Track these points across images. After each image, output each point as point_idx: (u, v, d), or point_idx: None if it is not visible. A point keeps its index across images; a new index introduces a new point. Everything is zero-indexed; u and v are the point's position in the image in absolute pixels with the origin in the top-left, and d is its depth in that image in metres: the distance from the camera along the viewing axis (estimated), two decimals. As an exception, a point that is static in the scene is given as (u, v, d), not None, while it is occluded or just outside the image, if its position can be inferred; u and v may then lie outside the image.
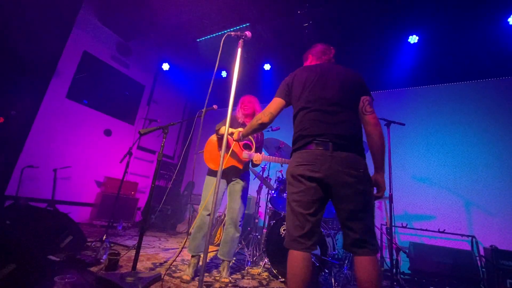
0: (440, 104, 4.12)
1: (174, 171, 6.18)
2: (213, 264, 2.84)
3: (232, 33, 1.73)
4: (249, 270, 2.81)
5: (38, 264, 1.66)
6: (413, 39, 4.09)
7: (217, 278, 2.36)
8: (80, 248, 2.52)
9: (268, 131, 2.99)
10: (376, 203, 3.83)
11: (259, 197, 3.66)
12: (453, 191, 3.66)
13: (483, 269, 2.90)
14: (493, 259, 2.75)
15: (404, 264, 3.16)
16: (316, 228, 1.35)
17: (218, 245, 3.84)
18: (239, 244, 3.51)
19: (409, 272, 3.07)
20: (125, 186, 4.82)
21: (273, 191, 3.12)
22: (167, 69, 5.94)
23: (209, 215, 2.33)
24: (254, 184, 3.34)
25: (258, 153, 2.30)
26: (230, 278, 2.32)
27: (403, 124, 3.05)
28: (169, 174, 6.15)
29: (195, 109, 7.01)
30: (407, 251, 3.14)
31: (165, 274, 2.21)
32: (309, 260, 1.30)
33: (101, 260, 2.27)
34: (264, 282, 2.45)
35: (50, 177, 3.97)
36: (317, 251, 2.38)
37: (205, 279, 2.30)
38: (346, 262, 2.93)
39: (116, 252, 2.23)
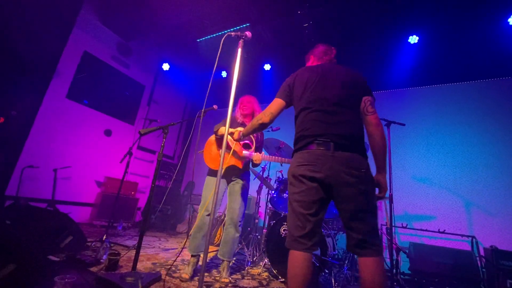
0: (440, 104, 4.11)
1: (174, 171, 6.18)
2: (213, 264, 2.84)
3: (232, 33, 1.73)
4: (249, 270, 2.81)
5: (38, 264, 1.66)
6: (413, 39, 4.09)
7: (217, 278, 2.36)
8: (80, 248, 2.52)
9: (268, 131, 3.00)
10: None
11: (259, 197, 3.66)
12: (453, 191, 3.66)
13: (483, 270, 2.90)
14: (493, 259, 2.74)
15: (404, 265, 3.16)
16: (317, 229, 1.35)
17: (218, 245, 3.84)
18: (239, 244, 3.51)
19: (409, 272, 3.07)
20: (125, 186, 4.82)
21: (273, 191, 3.12)
22: (167, 69, 5.94)
23: (208, 215, 2.34)
24: (254, 184, 3.34)
25: (258, 153, 2.31)
26: (230, 278, 2.32)
27: (403, 124, 3.05)
28: (169, 174, 6.15)
29: (195, 109, 7.01)
30: (407, 251, 3.14)
31: (165, 274, 2.21)
32: (310, 261, 1.30)
33: (101, 260, 2.27)
34: (264, 282, 2.45)
35: (50, 177, 3.97)
36: (317, 251, 2.38)
37: (205, 279, 2.30)
38: (346, 262, 2.93)
39: (116, 252, 2.24)
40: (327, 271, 2.52)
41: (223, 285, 2.21)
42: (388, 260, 2.71)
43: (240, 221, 2.45)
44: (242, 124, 2.54)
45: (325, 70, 1.59)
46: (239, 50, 1.72)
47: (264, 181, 3.47)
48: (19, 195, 3.71)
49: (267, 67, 5.40)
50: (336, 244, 2.87)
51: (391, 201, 2.74)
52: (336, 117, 1.42)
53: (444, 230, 3.32)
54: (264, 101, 5.63)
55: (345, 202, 1.31)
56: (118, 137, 5.27)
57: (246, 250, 3.40)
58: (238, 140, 1.97)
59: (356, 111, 1.48)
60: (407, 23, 4.01)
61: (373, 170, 1.46)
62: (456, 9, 3.63)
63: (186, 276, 2.20)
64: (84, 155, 4.68)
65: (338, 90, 1.48)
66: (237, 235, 2.43)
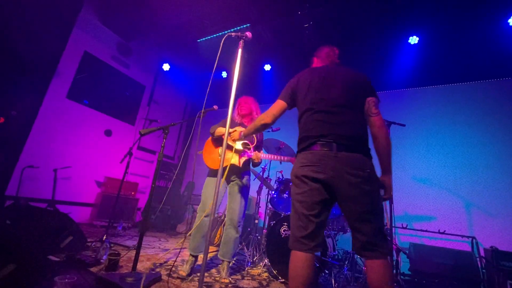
0: (440, 105, 4.11)
1: (174, 171, 6.18)
2: (213, 265, 2.83)
3: (232, 33, 1.73)
4: (249, 270, 2.81)
5: (38, 264, 1.66)
6: (413, 39, 4.10)
7: (217, 278, 2.36)
8: (80, 248, 2.52)
9: (269, 131, 3.00)
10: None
11: (259, 198, 3.66)
12: (454, 192, 3.66)
13: (484, 270, 2.89)
14: (494, 260, 2.74)
15: (404, 265, 3.15)
16: (319, 230, 1.34)
17: (218, 245, 3.85)
18: (239, 245, 3.51)
19: (409, 273, 3.07)
20: (125, 186, 4.82)
21: (273, 192, 3.12)
22: (168, 69, 5.94)
23: (207, 216, 2.34)
24: (254, 184, 3.34)
25: (257, 152, 2.31)
26: (230, 279, 2.32)
27: (404, 125, 3.05)
28: (169, 174, 6.15)
29: (196, 109, 7.01)
30: (407, 252, 3.14)
31: (166, 275, 2.21)
32: (311, 261, 1.29)
33: (101, 261, 2.27)
34: (264, 283, 2.45)
35: (51, 177, 3.97)
36: (317, 252, 2.38)
37: (205, 279, 2.30)
38: (346, 263, 2.94)
39: (116, 252, 2.24)
40: (327, 271, 2.52)
41: (223, 286, 2.21)
42: (388, 261, 2.70)
43: (240, 222, 2.45)
44: (241, 125, 2.56)
45: (328, 71, 1.59)
46: (239, 51, 1.72)
47: (264, 181, 3.47)
48: (19, 195, 3.71)
49: (267, 67, 5.40)
50: (336, 244, 2.86)
51: (391, 202, 2.74)
52: (339, 118, 1.41)
53: (444, 231, 3.32)
54: (265, 102, 5.63)
55: (349, 203, 1.29)
56: (118, 137, 5.27)
57: (246, 251, 3.39)
58: (239, 140, 1.98)
59: (360, 112, 1.47)
60: (407, 23, 4.01)
61: (378, 171, 1.45)
62: (456, 9, 3.64)
63: (183, 273, 2.23)
64: (84, 155, 4.68)
65: (341, 91, 1.47)
66: (237, 235, 2.43)
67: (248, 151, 2.34)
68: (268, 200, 3.32)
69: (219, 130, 2.46)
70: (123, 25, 4.92)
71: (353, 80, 1.52)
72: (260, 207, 3.70)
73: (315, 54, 1.84)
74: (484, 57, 3.86)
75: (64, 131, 4.40)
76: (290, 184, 3.01)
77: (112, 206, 3.96)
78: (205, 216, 2.35)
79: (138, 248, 2.00)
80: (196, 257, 2.39)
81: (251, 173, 2.81)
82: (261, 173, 3.50)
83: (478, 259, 2.96)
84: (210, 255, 3.20)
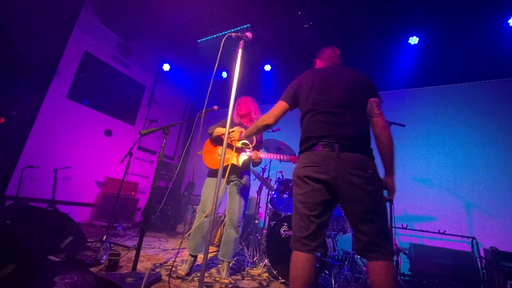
0: (441, 105, 4.11)
1: (174, 171, 6.18)
2: (213, 265, 2.83)
3: (232, 34, 1.73)
4: (249, 271, 2.81)
5: (38, 264, 1.66)
6: (414, 40, 4.10)
7: (217, 278, 2.36)
8: (80, 248, 2.52)
9: (269, 131, 2.99)
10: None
11: (259, 198, 3.66)
12: (454, 192, 3.66)
13: (484, 271, 2.89)
14: (494, 260, 2.74)
15: (404, 265, 3.15)
16: (321, 230, 1.33)
17: (218, 245, 3.85)
18: (239, 245, 3.51)
19: (409, 273, 3.07)
20: (125, 186, 4.82)
21: (273, 192, 3.12)
22: (168, 69, 5.95)
23: (206, 217, 2.35)
24: (254, 184, 3.34)
25: (256, 151, 2.31)
26: (230, 279, 2.32)
27: (404, 125, 3.04)
28: (169, 174, 6.15)
29: (196, 109, 7.01)
30: (407, 252, 3.14)
31: (167, 275, 2.21)
32: (312, 262, 1.28)
33: (101, 261, 2.27)
34: (264, 283, 2.45)
35: (51, 177, 3.97)
36: (318, 253, 2.38)
37: (205, 279, 2.30)
38: (346, 263, 2.93)
39: (116, 252, 2.24)
40: (327, 272, 2.52)
41: (223, 286, 2.21)
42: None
43: (240, 222, 2.45)
44: (240, 125, 2.57)
45: (330, 72, 1.60)
46: (240, 51, 1.72)
47: (264, 181, 3.47)
48: (20, 195, 3.71)
49: (267, 67, 5.40)
50: (336, 245, 2.86)
51: (391, 202, 2.73)
52: (341, 118, 1.40)
53: (444, 231, 3.32)
54: (265, 102, 5.63)
55: (351, 203, 1.28)
56: (118, 137, 5.27)
57: (246, 251, 3.39)
58: (240, 140, 1.97)
59: (362, 112, 1.46)
60: (407, 23, 4.01)
61: (381, 172, 1.44)
62: (456, 9, 3.64)
63: (182, 272, 2.25)
64: (84, 155, 4.68)
65: (343, 91, 1.47)
66: (237, 236, 2.43)
67: (248, 151, 2.34)
68: (268, 200, 3.32)
69: (217, 130, 2.47)
70: (123, 25, 4.92)
71: (355, 80, 1.52)
72: (260, 207, 3.70)
73: (317, 56, 1.84)
74: (484, 57, 3.86)
75: (64, 131, 4.40)
76: (290, 184, 3.01)
77: (112, 206, 3.96)
78: (204, 217, 2.35)
79: (138, 248, 2.00)
80: (195, 257, 2.40)
81: (251, 173, 2.82)
82: (261, 173, 3.50)
83: (478, 259, 2.96)
84: (210, 255, 3.20)
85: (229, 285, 2.24)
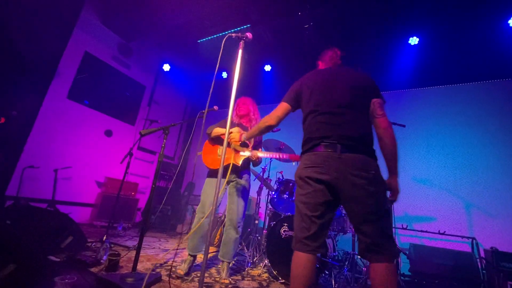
0: (441, 105, 4.11)
1: (174, 171, 6.18)
2: (213, 265, 2.83)
3: (233, 34, 1.74)
4: (249, 271, 2.81)
5: (38, 265, 1.66)
6: (414, 40, 4.10)
7: (217, 279, 2.36)
8: (81, 248, 2.52)
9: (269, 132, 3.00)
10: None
11: (260, 198, 3.66)
12: (454, 193, 3.66)
13: (484, 271, 2.89)
14: (494, 261, 2.74)
15: (405, 266, 3.15)
16: (322, 231, 1.33)
17: (218, 246, 3.84)
18: (239, 245, 3.51)
19: (409, 273, 3.07)
20: (126, 186, 4.82)
21: (273, 192, 3.12)
22: (168, 69, 5.95)
23: (206, 217, 2.36)
24: (254, 185, 3.34)
25: (255, 150, 2.31)
26: (230, 279, 2.32)
27: (404, 126, 3.04)
28: (169, 174, 6.15)
29: (196, 110, 7.01)
30: (407, 252, 3.14)
31: (167, 275, 2.21)
32: (313, 262, 1.28)
33: (102, 261, 2.27)
34: (264, 284, 2.45)
35: (51, 178, 3.97)
36: (320, 253, 2.38)
37: (205, 280, 2.30)
38: (346, 263, 2.93)
39: (116, 252, 2.24)
40: (327, 272, 2.52)
41: (223, 286, 2.21)
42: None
43: (240, 222, 2.46)
44: (239, 125, 2.58)
45: (332, 73, 1.60)
46: (240, 52, 1.73)
47: (264, 182, 3.47)
48: (20, 195, 3.71)
49: (267, 68, 5.40)
50: (336, 245, 2.86)
51: (391, 203, 2.74)
52: (343, 119, 1.40)
53: (445, 232, 3.32)
54: (265, 102, 5.63)
55: (353, 204, 1.28)
56: (118, 138, 5.27)
57: (246, 251, 3.39)
58: (243, 141, 1.95)
59: (364, 113, 1.46)
60: (407, 23, 4.01)
61: (383, 173, 1.44)
62: (456, 10, 3.64)
63: (181, 272, 2.27)
64: (84, 156, 4.69)
65: (345, 92, 1.47)
66: (237, 236, 2.43)
67: (247, 150, 2.33)
68: (268, 200, 3.32)
69: (216, 131, 2.49)
70: (123, 26, 4.92)
71: (357, 81, 1.52)
72: (260, 207, 3.70)
73: (319, 58, 1.84)
74: (484, 57, 3.86)
75: (64, 131, 4.40)
76: (290, 184, 3.01)
77: (112, 206, 3.96)
78: (202, 218, 2.36)
79: (138, 248, 2.00)
80: (194, 256, 2.41)
81: (251, 173, 2.82)
82: (261, 174, 3.51)
83: (478, 260, 2.96)
84: (209, 255, 3.20)
85: (229, 286, 2.24)
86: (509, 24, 3.55)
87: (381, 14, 3.91)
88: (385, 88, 4.54)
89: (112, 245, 3.04)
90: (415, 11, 3.79)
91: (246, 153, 2.24)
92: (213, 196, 2.39)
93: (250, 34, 1.73)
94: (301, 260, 1.28)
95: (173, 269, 2.40)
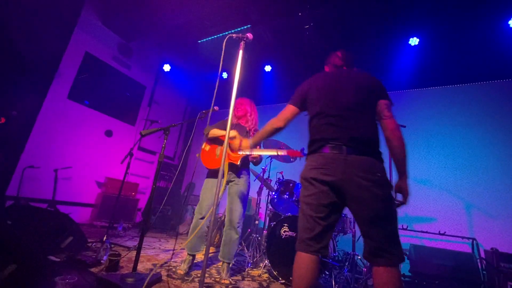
0: (441, 106, 4.11)
1: (175, 172, 6.18)
2: (213, 266, 2.83)
3: (233, 35, 1.74)
4: (250, 271, 2.81)
5: (38, 265, 1.66)
6: (414, 41, 4.10)
7: (217, 279, 2.36)
8: (81, 248, 2.52)
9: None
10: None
11: (260, 199, 3.66)
12: (454, 193, 3.65)
13: (484, 272, 2.89)
14: (494, 261, 2.74)
15: (405, 266, 3.15)
16: (326, 232, 1.32)
17: (217, 246, 3.84)
18: (239, 246, 3.51)
19: (410, 274, 3.06)
20: (126, 186, 4.82)
21: (273, 193, 3.12)
22: (168, 70, 5.95)
23: (202, 218, 2.36)
24: (254, 185, 3.34)
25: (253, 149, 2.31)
26: (230, 280, 2.33)
27: (404, 126, 3.01)
28: (169, 175, 6.15)
29: (196, 110, 7.01)
30: (407, 253, 3.13)
31: (167, 275, 2.21)
32: (316, 263, 1.28)
33: (102, 261, 2.27)
34: (265, 284, 2.45)
35: (51, 178, 3.97)
36: (323, 254, 2.38)
37: (205, 280, 2.30)
38: (347, 264, 2.93)
39: (117, 253, 2.24)
40: (327, 272, 2.52)
41: (223, 286, 2.21)
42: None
43: (239, 223, 2.46)
44: (237, 125, 2.59)
45: (339, 75, 1.60)
46: (240, 52, 1.72)
47: (264, 182, 3.47)
48: (20, 196, 3.71)
49: (267, 68, 5.40)
50: (337, 245, 2.86)
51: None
52: (349, 121, 1.40)
53: (445, 232, 3.31)
54: (265, 103, 5.62)
55: (359, 207, 1.27)
56: (118, 138, 5.27)
57: (246, 252, 3.39)
58: (250, 147, 1.87)
59: (370, 114, 1.45)
60: (407, 24, 4.01)
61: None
62: (457, 10, 3.64)
63: (180, 272, 2.31)
64: (84, 156, 4.69)
65: (352, 94, 1.46)
66: (237, 236, 2.44)
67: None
68: (269, 201, 3.32)
69: (213, 132, 2.51)
70: (123, 26, 4.93)
71: (364, 82, 1.51)
72: (260, 208, 3.70)
73: (325, 62, 1.83)
74: (485, 58, 3.86)
75: (64, 131, 4.40)
76: (291, 185, 3.01)
77: (112, 207, 3.97)
78: (200, 218, 2.37)
79: (138, 248, 2.00)
80: (193, 256, 2.43)
81: (251, 174, 2.82)
82: (261, 174, 3.50)
83: (478, 260, 2.96)
84: (209, 255, 3.20)
85: (229, 286, 2.24)
86: (509, 24, 3.55)
87: (381, 14, 3.91)
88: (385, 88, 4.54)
89: (112, 245, 3.04)
90: (415, 11, 3.79)
91: (244, 152, 2.24)
92: (210, 197, 2.40)
93: (251, 35, 1.73)
94: (304, 261, 1.28)
95: (174, 269, 2.40)
